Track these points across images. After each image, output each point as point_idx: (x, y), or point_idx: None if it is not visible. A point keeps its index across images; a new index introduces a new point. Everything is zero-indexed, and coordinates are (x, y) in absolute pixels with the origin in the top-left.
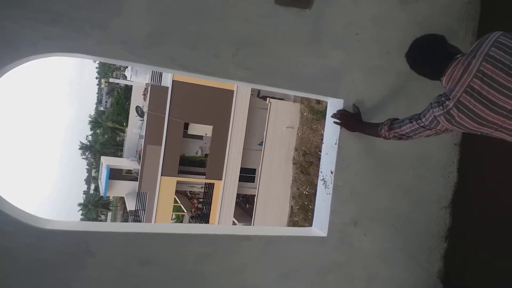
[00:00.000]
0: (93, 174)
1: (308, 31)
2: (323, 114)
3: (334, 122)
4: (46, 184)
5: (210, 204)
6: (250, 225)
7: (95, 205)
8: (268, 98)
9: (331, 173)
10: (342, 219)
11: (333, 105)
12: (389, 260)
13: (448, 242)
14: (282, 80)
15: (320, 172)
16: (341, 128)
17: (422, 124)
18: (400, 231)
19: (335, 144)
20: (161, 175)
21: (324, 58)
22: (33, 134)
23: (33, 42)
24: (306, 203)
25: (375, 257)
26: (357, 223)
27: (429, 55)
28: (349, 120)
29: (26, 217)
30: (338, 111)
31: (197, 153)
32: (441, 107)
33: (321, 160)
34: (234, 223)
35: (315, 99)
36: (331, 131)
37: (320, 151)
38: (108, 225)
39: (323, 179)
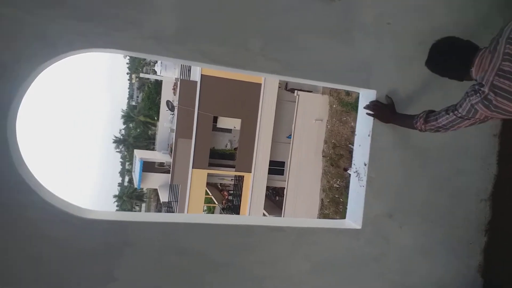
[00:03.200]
0: (127, 167)
1: (338, 22)
2: (352, 106)
3: (367, 113)
4: (83, 176)
5: (240, 196)
6: (277, 217)
7: (129, 197)
8: (296, 91)
9: (365, 165)
10: (376, 211)
11: (365, 96)
12: (427, 253)
13: (488, 236)
14: (312, 72)
15: (353, 164)
16: (374, 119)
17: (459, 115)
18: (437, 224)
19: (368, 135)
20: (192, 168)
21: (355, 49)
22: (70, 129)
23: (69, 39)
24: (336, 196)
25: (411, 250)
26: (392, 215)
27: (454, 56)
28: (383, 111)
29: (70, 207)
30: (371, 102)
31: (226, 146)
32: (477, 94)
33: (354, 152)
34: (264, 215)
35: (344, 91)
36: (364, 122)
37: (350, 144)
38: (146, 215)
39: (356, 171)
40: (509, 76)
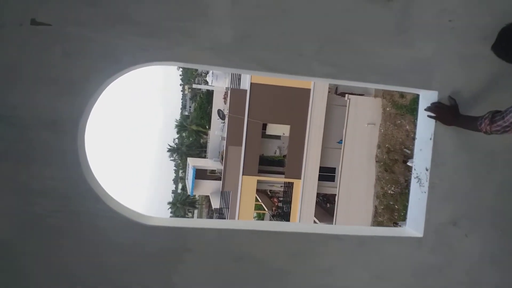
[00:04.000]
0: (180, 174)
1: (395, 23)
2: (407, 108)
3: (429, 116)
4: (139, 185)
5: (290, 203)
6: (332, 224)
7: (182, 204)
8: (346, 94)
9: (426, 170)
10: (439, 218)
11: (426, 97)
12: (496, 264)
13: None
14: (368, 75)
15: (413, 169)
16: (436, 122)
17: None
18: (507, 233)
19: (430, 139)
20: (242, 175)
21: (414, 49)
22: (129, 140)
23: (132, 53)
24: (391, 202)
25: (479, 260)
26: (457, 223)
27: None
28: (445, 113)
29: (132, 214)
30: (433, 103)
31: (275, 153)
32: None
33: (414, 157)
34: (314, 222)
35: (398, 93)
36: (425, 125)
37: (406, 148)
38: (204, 222)
39: (417, 176)
40: None
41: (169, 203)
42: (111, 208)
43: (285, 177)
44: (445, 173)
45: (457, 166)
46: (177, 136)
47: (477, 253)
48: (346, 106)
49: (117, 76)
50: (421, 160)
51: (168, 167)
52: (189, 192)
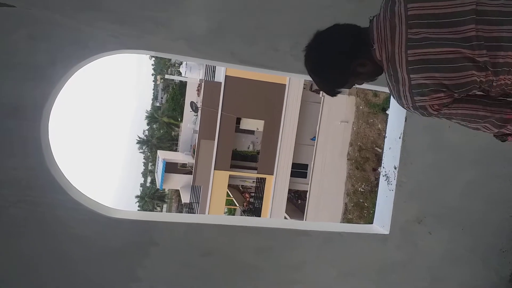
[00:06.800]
0: (149, 167)
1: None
2: (380, 107)
3: None
4: (107, 176)
5: (261, 198)
6: (303, 221)
7: (151, 197)
8: (321, 92)
9: (395, 168)
10: (405, 216)
11: None
12: (457, 261)
13: None
14: None
15: (382, 167)
16: (405, 121)
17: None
18: (468, 231)
19: (399, 138)
20: (214, 169)
21: None
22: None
23: (102, 40)
24: (361, 200)
25: (440, 257)
26: (422, 221)
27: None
28: None
29: (97, 206)
30: None
31: (248, 148)
32: None
33: (383, 155)
34: (285, 218)
35: (372, 92)
36: (395, 124)
37: (377, 147)
38: (172, 216)
39: (385, 174)
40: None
41: (137, 196)
42: (74, 200)
43: (257, 173)
44: (413, 172)
45: (425, 165)
46: (147, 127)
47: (439, 250)
48: (320, 103)
49: (85, 63)
50: (390, 159)
51: (138, 159)
52: (158, 185)
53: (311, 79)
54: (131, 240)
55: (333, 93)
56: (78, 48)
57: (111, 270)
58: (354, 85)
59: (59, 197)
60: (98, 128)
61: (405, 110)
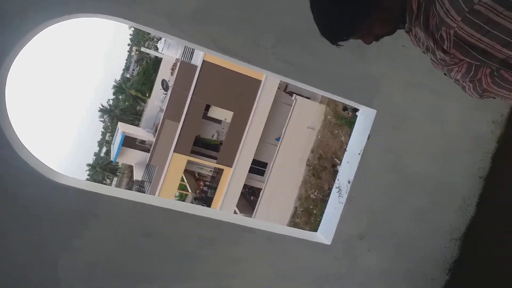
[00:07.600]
0: (107, 138)
1: None
2: (347, 120)
3: None
4: (62, 140)
5: (215, 189)
6: (251, 217)
7: (103, 168)
8: (294, 94)
9: (348, 182)
10: (349, 230)
11: (364, 114)
12: (389, 281)
13: (451, 275)
14: (318, 80)
15: (337, 179)
16: (368, 138)
17: None
18: (405, 255)
19: (359, 154)
20: (173, 151)
21: (365, 65)
22: (58, 92)
23: (82, 0)
24: (311, 206)
25: (375, 275)
26: (364, 237)
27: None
28: None
29: (43, 168)
30: None
31: (212, 137)
32: None
33: (340, 168)
34: (235, 212)
35: (343, 105)
36: (357, 140)
37: (337, 158)
38: (119, 191)
39: (338, 187)
40: None
41: (88, 165)
42: (20, 158)
43: (216, 163)
44: (365, 189)
45: (378, 185)
46: (112, 97)
47: (374, 268)
48: (291, 105)
49: (59, 20)
50: (345, 173)
51: (96, 127)
52: (112, 158)
53: (287, 81)
54: (73, 208)
55: (340, 35)
56: (55, 2)
57: (46, 236)
58: (367, 32)
59: (3, 152)
60: (60, 89)
61: (370, 127)
